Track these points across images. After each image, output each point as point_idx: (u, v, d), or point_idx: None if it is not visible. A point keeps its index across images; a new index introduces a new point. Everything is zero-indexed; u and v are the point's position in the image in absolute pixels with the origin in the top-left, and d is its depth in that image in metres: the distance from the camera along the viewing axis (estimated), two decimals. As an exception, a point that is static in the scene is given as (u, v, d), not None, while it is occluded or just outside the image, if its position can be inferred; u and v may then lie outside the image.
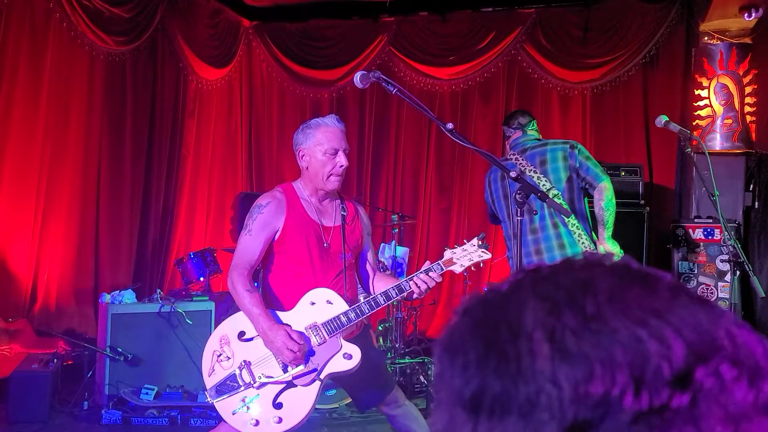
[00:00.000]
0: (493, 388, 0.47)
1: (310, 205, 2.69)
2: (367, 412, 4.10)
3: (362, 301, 2.61)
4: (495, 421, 0.47)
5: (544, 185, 3.28)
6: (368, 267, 2.86)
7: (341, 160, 2.61)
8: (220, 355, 2.58)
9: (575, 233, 3.26)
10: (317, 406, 4.18)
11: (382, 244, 5.98)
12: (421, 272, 2.59)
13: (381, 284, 2.77)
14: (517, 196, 2.28)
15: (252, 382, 2.53)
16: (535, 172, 3.35)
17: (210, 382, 2.57)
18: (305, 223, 2.65)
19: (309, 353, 2.55)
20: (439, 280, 2.58)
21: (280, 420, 2.51)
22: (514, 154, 3.47)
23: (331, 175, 2.62)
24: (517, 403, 0.46)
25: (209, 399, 2.57)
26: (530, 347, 0.46)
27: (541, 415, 0.45)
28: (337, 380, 2.75)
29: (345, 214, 2.74)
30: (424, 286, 2.57)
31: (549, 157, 3.38)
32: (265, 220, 2.61)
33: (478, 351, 0.49)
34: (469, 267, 2.68)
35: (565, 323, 0.46)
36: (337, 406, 4.29)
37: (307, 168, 2.67)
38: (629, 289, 0.48)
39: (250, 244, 2.60)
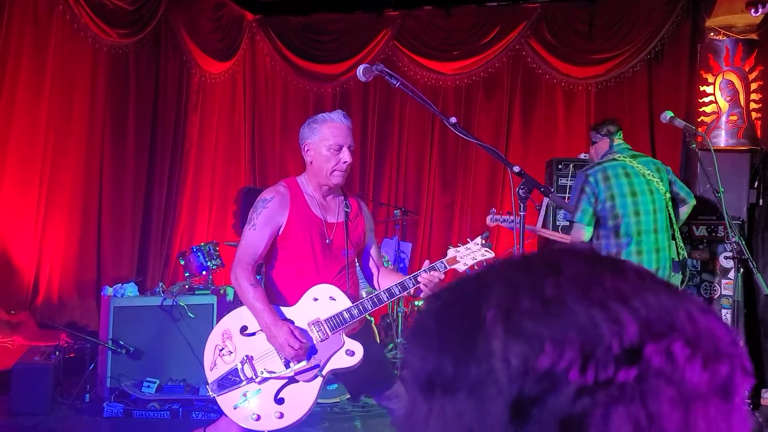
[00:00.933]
0: (446, 367, 0.48)
1: (314, 200, 2.68)
2: (368, 407, 4.11)
3: (365, 297, 2.61)
4: (447, 399, 0.47)
5: (661, 190, 3.52)
6: (372, 263, 2.86)
7: (345, 156, 2.60)
8: (222, 349, 2.58)
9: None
10: (319, 401, 4.19)
11: (384, 239, 5.98)
12: (424, 270, 2.59)
13: (386, 280, 2.77)
14: (521, 191, 2.27)
15: (254, 377, 2.53)
16: (653, 177, 3.50)
17: (212, 376, 2.57)
18: (308, 218, 2.64)
19: (311, 349, 2.55)
20: (442, 278, 2.58)
21: (281, 415, 2.50)
22: (623, 156, 3.55)
23: (335, 170, 2.62)
24: (468, 381, 0.46)
25: (211, 393, 2.57)
26: (485, 328, 0.47)
27: (489, 390, 0.45)
28: (338, 374, 2.75)
29: (348, 210, 2.74)
30: (430, 285, 2.56)
31: (660, 166, 3.59)
32: (269, 215, 2.60)
33: (437, 333, 0.50)
34: (473, 266, 2.69)
35: (521, 305, 0.47)
36: (339, 400, 4.29)
37: (311, 163, 2.67)
38: (595, 273, 0.48)
39: (254, 238, 2.60)
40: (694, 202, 3.69)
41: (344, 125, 2.63)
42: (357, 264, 2.88)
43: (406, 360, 0.52)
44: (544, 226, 4.89)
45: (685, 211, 3.67)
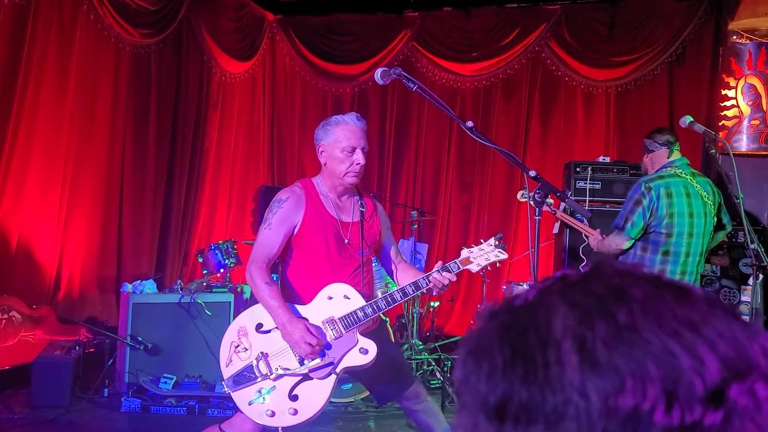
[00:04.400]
0: (519, 395, 0.46)
1: (329, 200, 2.71)
2: (382, 407, 4.13)
3: (379, 296, 2.63)
4: (520, 430, 0.46)
5: (712, 213, 3.45)
6: (391, 262, 2.88)
7: (358, 158, 2.62)
8: (238, 346, 2.61)
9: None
10: (333, 400, 4.22)
11: (401, 240, 5.98)
12: (437, 270, 2.60)
13: (403, 275, 2.79)
14: (536, 195, 2.27)
15: (269, 374, 2.56)
16: (708, 199, 3.44)
17: (227, 372, 2.60)
18: (324, 218, 2.67)
19: (326, 347, 2.57)
20: (454, 279, 2.59)
21: (295, 412, 2.53)
22: (684, 173, 3.46)
23: (348, 172, 2.64)
24: (544, 413, 0.45)
25: (226, 389, 2.61)
26: (559, 356, 0.45)
27: (569, 426, 0.44)
28: (355, 375, 2.77)
29: (363, 210, 2.76)
30: (440, 285, 2.57)
31: (714, 189, 3.51)
32: (285, 214, 2.63)
33: (505, 356, 0.48)
34: (486, 267, 2.69)
35: (596, 333, 0.45)
36: (353, 400, 4.31)
37: (325, 164, 2.70)
38: (663, 299, 0.47)
39: (270, 238, 2.62)
40: (730, 228, 3.64)
41: (357, 127, 2.64)
42: (374, 262, 2.89)
43: (465, 380, 0.50)
44: (561, 230, 4.87)
45: (719, 237, 3.63)
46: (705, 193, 3.44)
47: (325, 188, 2.72)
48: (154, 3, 5.43)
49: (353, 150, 2.62)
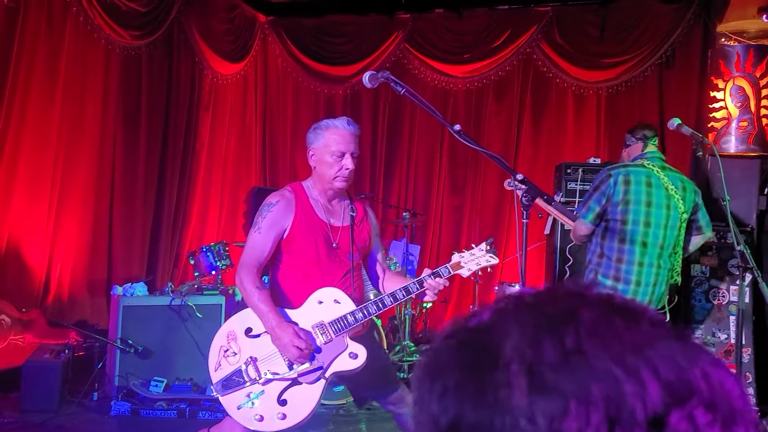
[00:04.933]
0: (468, 417, 0.47)
1: (319, 204, 2.71)
2: (373, 409, 4.13)
3: (370, 300, 2.64)
4: None
5: (680, 209, 3.43)
6: (378, 267, 2.89)
7: (347, 163, 2.62)
8: (227, 350, 2.61)
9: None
10: (325, 402, 4.22)
11: (393, 241, 5.99)
12: (428, 275, 2.62)
13: (391, 283, 2.80)
14: (524, 199, 2.28)
15: (257, 378, 2.56)
16: (675, 193, 3.43)
17: (216, 376, 2.60)
18: (313, 222, 2.67)
19: (315, 351, 2.58)
20: (446, 284, 2.60)
21: (284, 416, 2.53)
22: (652, 165, 3.48)
23: (337, 176, 2.64)
24: None
25: (215, 393, 2.61)
26: (508, 379, 0.46)
27: None
28: (340, 378, 2.77)
29: (354, 214, 2.76)
30: (435, 289, 2.58)
31: (688, 186, 3.50)
32: (275, 218, 2.63)
33: (457, 378, 0.49)
34: (477, 272, 2.71)
35: (543, 356, 0.46)
36: (345, 402, 4.31)
37: (315, 168, 2.70)
38: (611, 323, 0.48)
39: (259, 241, 2.63)
40: (710, 235, 3.61)
41: (347, 132, 2.63)
42: (363, 268, 2.90)
43: (420, 400, 0.51)
44: (552, 231, 4.89)
45: (697, 241, 3.60)
46: (673, 187, 3.43)
47: (316, 192, 2.72)
48: (144, 4, 5.41)
49: (342, 155, 2.62)
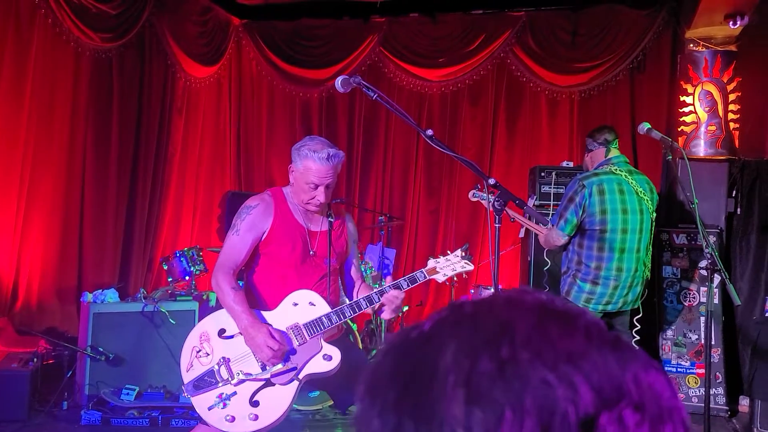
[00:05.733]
0: (409, 430, 0.47)
1: (298, 210, 2.73)
2: (350, 414, 4.11)
3: (345, 304, 2.64)
4: None
5: (650, 210, 3.55)
6: (353, 274, 2.93)
7: (319, 195, 2.64)
8: (200, 351, 2.61)
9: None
10: (300, 408, 4.20)
11: (369, 245, 5.98)
12: (388, 286, 2.64)
13: (365, 292, 2.80)
14: (496, 203, 2.29)
15: (230, 379, 2.56)
16: (645, 196, 3.51)
17: (188, 377, 2.59)
18: (292, 226, 2.69)
19: (289, 353, 2.58)
20: (402, 296, 2.63)
21: (255, 417, 2.52)
22: (620, 170, 3.53)
23: (309, 203, 2.68)
24: None
25: (186, 394, 2.60)
26: (445, 391, 0.47)
27: None
28: (320, 382, 2.77)
29: (332, 220, 2.79)
30: (390, 305, 2.59)
31: (653, 187, 3.61)
32: (253, 221, 2.66)
33: (396, 392, 0.49)
34: (452, 277, 2.75)
35: (480, 367, 0.47)
36: (321, 407, 4.29)
37: (293, 184, 2.73)
38: (545, 332, 0.49)
39: (237, 243, 2.65)
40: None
41: (324, 167, 2.62)
42: (339, 274, 2.91)
43: (363, 416, 0.51)
44: (527, 234, 4.92)
45: None
46: (641, 190, 3.53)
47: (295, 199, 2.75)
48: (115, 7, 5.33)
49: (316, 186, 2.64)
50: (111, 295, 4.48)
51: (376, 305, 2.63)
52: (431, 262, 2.76)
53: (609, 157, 3.62)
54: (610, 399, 0.46)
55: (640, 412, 0.46)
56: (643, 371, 0.49)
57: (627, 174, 3.54)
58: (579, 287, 3.55)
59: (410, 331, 0.53)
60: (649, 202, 3.54)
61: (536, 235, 4.31)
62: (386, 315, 2.62)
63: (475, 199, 3.60)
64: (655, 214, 3.58)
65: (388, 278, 2.72)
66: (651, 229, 3.57)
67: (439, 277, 2.73)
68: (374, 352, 5.22)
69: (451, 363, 0.48)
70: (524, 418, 0.45)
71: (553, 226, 3.58)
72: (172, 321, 4.39)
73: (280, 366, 2.55)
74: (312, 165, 2.62)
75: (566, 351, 0.48)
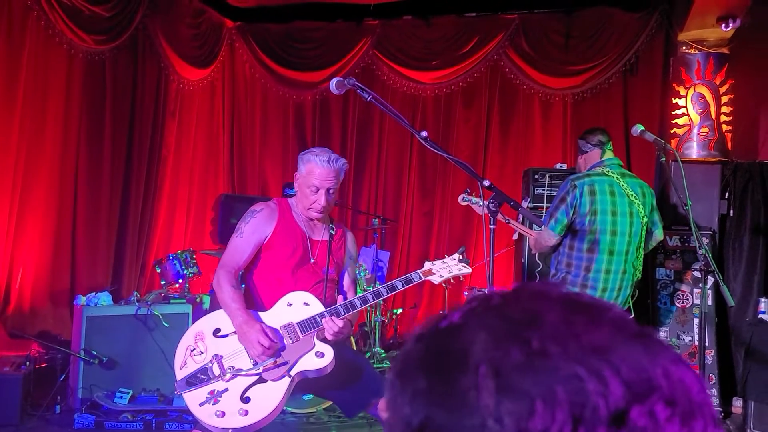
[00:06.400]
0: (438, 419, 0.48)
1: (301, 218, 2.81)
2: (343, 417, 4.11)
3: (339, 303, 2.67)
4: None
5: (641, 213, 3.50)
6: (346, 288, 2.96)
7: (320, 199, 2.71)
8: (194, 349, 2.65)
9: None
10: (294, 411, 4.19)
11: (363, 248, 5.98)
12: (398, 280, 2.71)
13: None
14: (491, 205, 2.29)
15: (222, 375, 2.60)
16: (636, 199, 3.49)
17: (181, 374, 2.62)
18: (294, 232, 2.77)
19: (281, 349, 2.62)
20: (341, 325, 2.59)
21: (245, 413, 2.54)
22: (612, 172, 3.52)
23: (311, 208, 2.75)
24: None
25: (177, 390, 2.62)
26: (475, 381, 0.47)
27: None
28: (322, 390, 2.81)
29: (333, 233, 2.86)
30: (330, 330, 2.57)
31: (646, 191, 3.57)
32: (257, 224, 2.75)
33: (427, 380, 0.50)
34: (448, 279, 2.81)
35: (510, 358, 0.47)
36: (315, 410, 4.28)
37: (297, 191, 2.81)
38: (574, 324, 0.49)
39: (240, 245, 2.74)
40: (660, 237, 3.69)
41: (325, 170, 2.71)
42: (335, 284, 2.95)
43: (394, 401, 0.52)
44: (521, 236, 4.93)
45: (650, 244, 3.68)
46: (633, 193, 3.52)
47: (299, 208, 2.82)
48: (108, 9, 5.32)
49: (317, 190, 2.72)
50: (104, 298, 4.46)
51: (384, 297, 2.71)
52: (427, 264, 2.81)
53: (603, 159, 3.62)
54: (640, 393, 0.46)
55: (671, 407, 0.46)
56: (673, 365, 0.49)
57: (619, 176, 3.54)
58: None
59: (439, 320, 0.54)
60: (641, 206, 3.52)
61: (525, 242, 4.33)
62: (328, 337, 2.61)
63: (464, 203, 3.59)
64: (647, 219, 3.55)
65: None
66: (641, 233, 3.56)
67: (435, 279, 2.77)
68: (368, 354, 5.22)
69: (481, 353, 0.48)
70: (555, 410, 0.45)
71: (544, 226, 3.57)
72: (165, 324, 4.37)
73: (271, 361, 2.59)
74: (314, 168, 2.70)
75: (595, 344, 0.48)
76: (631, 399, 0.46)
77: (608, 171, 3.53)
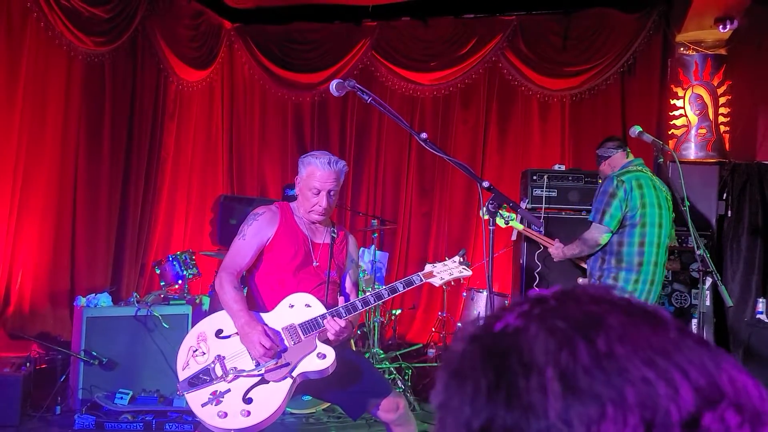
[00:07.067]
0: (503, 420, 0.47)
1: (303, 222, 2.83)
2: (343, 417, 4.12)
3: (341, 305, 2.68)
4: None
5: (670, 207, 3.59)
6: (348, 290, 2.96)
7: (322, 201, 2.72)
8: (196, 350, 2.65)
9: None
10: (294, 411, 4.20)
11: (362, 249, 5.99)
12: (400, 282, 2.71)
13: None
14: (490, 205, 2.31)
15: (224, 376, 2.60)
16: (668, 195, 3.58)
17: (183, 375, 2.62)
18: (296, 235, 2.78)
19: (283, 351, 2.63)
20: (343, 325, 2.60)
21: (248, 413, 2.54)
22: (645, 170, 3.58)
23: (312, 211, 2.76)
24: None
25: (180, 391, 2.62)
26: (542, 383, 0.46)
27: None
28: (325, 392, 2.81)
29: (335, 236, 2.87)
30: (332, 330, 2.58)
31: (669, 196, 3.64)
32: (259, 227, 2.75)
33: (489, 381, 0.49)
34: (449, 281, 2.82)
35: (577, 361, 0.46)
36: (314, 411, 4.29)
37: (298, 195, 2.82)
38: (638, 327, 0.49)
39: (242, 248, 2.74)
40: (673, 236, 3.75)
41: (325, 172, 2.72)
42: (337, 286, 2.96)
43: (448, 402, 0.51)
44: (519, 237, 4.94)
45: None
46: (665, 189, 3.62)
47: (300, 212, 2.84)
48: (107, 11, 5.33)
49: (318, 192, 2.73)
50: (104, 299, 4.47)
51: (385, 298, 2.72)
52: (428, 267, 2.82)
53: (630, 159, 3.68)
54: (710, 398, 0.45)
55: (740, 414, 0.45)
56: (736, 371, 0.48)
57: (651, 173, 3.63)
58: (622, 289, 3.54)
59: (492, 322, 0.53)
60: (670, 202, 3.60)
61: (528, 239, 4.32)
62: (330, 337, 2.62)
63: (486, 217, 3.59)
64: (673, 215, 3.63)
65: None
66: (672, 227, 3.64)
67: (436, 281, 2.79)
68: (366, 355, 5.22)
69: (546, 355, 0.47)
70: (627, 414, 0.44)
71: (593, 222, 3.57)
72: (165, 325, 4.38)
73: (273, 362, 2.59)
74: (314, 170, 2.71)
75: (662, 347, 0.47)
76: (702, 405, 0.45)
77: (641, 169, 3.60)
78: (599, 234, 3.51)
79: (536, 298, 0.54)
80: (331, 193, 2.74)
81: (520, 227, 4.02)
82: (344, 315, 2.65)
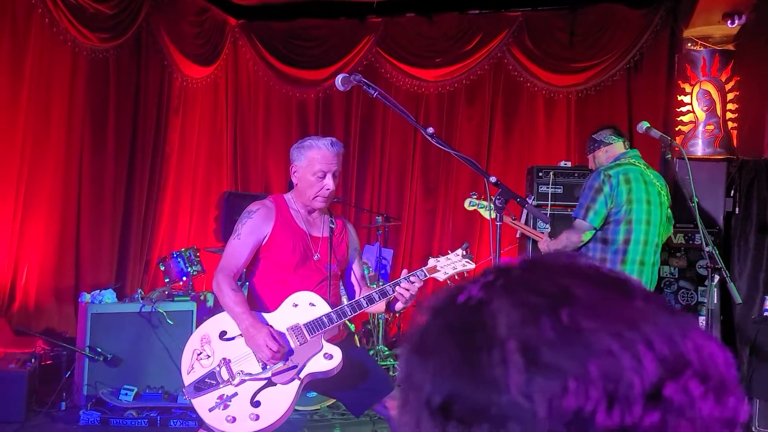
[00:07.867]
0: (464, 396, 0.46)
1: (299, 215, 2.76)
2: (348, 414, 4.10)
3: (345, 304, 2.65)
4: (465, 429, 0.46)
5: (665, 205, 3.50)
6: (354, 281, 2.93)
7: (329, 183, 2.66)
8: (200, 353, 2.60)
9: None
10: (298, 408, 4.18)
11: (366, 245, 5.98)
12: (404, 279, 2.65)
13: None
14: (497, 201, 2.28)
15: (231, 379, 2.56)
16: (662, 190, 3.48)
17: (188, 379, 2.58)
18: (293, 231, 2.71)
19: (289, 352, 2.58)
20: (420, 285, 2.61)
21: (256, 417, 2.51)
22: (638, 163, 3.49)
23: (317, 196, 2.69)
24: (489, 414, 0.45)
25: (186, 397, 2.58)
26: (504, 357, 0.45)
27: (514, 427, 0.44)
28: (328, 388, 2.79)
29: (333, 227, 2.82)
30: (407, 294, 2.60)
31: (663, 184, 3.55)
32: (254, 225, 2.68)
33: (451, 356, 0.48)
34: (453, 276, 2.77)
35: (540, 333, 0.45)
36: (319, 407, 4.28)
37: (297, 184, 2.74)
38: (605, 298, 0.47)
39: (238, 247, 2.67)
40: (671, 232, 3.66)
41: (330, 153, 2.66)
42: (340, 279, 2.92)
43: (410, 378, 0.50)
44: (523, 234, 4.92)
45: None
46: (659, 184, 3.49)
47: (297, 205, 2.77)
48: (111, 7, 5.32)
49: (324, 175, 2.66)
50: (109, 295, 4.47)
51: (391, 296, 2.64)
52: (432, 261, 2.77)
53: (626, 150, 3.57)
54: (674, 368, 0.44)
55: (704, 383, 0.45)
56: (703, 339, 0.47)
57: (645, 167, 3.51)
58: (593, 257, 3.46)
59: (455, 294, 0.51)
60: (665, 197, 3.49)
61: (529, 238, 4.29)
62: (398, 306, 2.66)
63: (472, 208, 3.48)
64: (668, 211, 3.53)
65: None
66: (666, 224, 3.52)
67: (440, 276, 2.74)
68: (371, 353, 5.21)
69: (508, 328, 0.46)
70: (589, 387, 0.43)
71: (576, 219, 3.46)
72: (170, 321, 4.38)
73: (280, 365, 2.55)
74: (317, 154, 2.65)
75: (627, 318, 0.46)
76: (665, 375, 0.44)
77: (634, 161, 3.49)
78: (581, 231, 3.39)
79: (502, 268, 0.52)
80: (335, 175, 2.69)
81: (492, 216, 3.93)
82: (350, 314, 2.62)
